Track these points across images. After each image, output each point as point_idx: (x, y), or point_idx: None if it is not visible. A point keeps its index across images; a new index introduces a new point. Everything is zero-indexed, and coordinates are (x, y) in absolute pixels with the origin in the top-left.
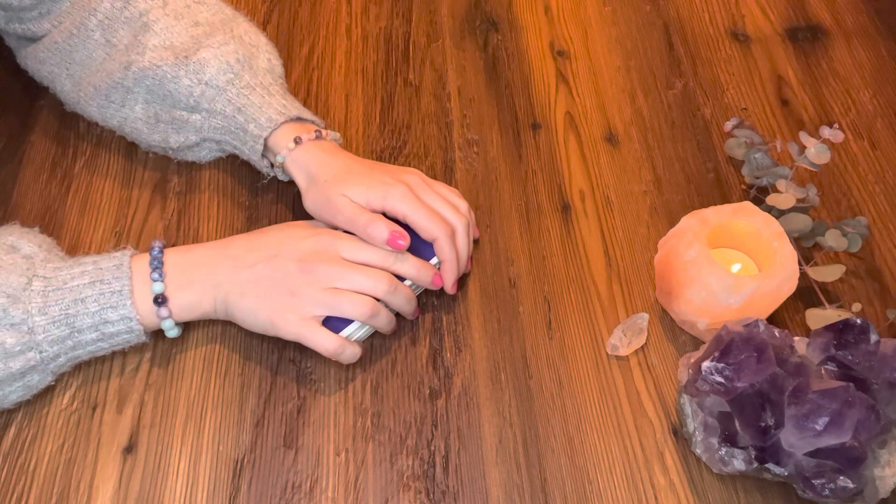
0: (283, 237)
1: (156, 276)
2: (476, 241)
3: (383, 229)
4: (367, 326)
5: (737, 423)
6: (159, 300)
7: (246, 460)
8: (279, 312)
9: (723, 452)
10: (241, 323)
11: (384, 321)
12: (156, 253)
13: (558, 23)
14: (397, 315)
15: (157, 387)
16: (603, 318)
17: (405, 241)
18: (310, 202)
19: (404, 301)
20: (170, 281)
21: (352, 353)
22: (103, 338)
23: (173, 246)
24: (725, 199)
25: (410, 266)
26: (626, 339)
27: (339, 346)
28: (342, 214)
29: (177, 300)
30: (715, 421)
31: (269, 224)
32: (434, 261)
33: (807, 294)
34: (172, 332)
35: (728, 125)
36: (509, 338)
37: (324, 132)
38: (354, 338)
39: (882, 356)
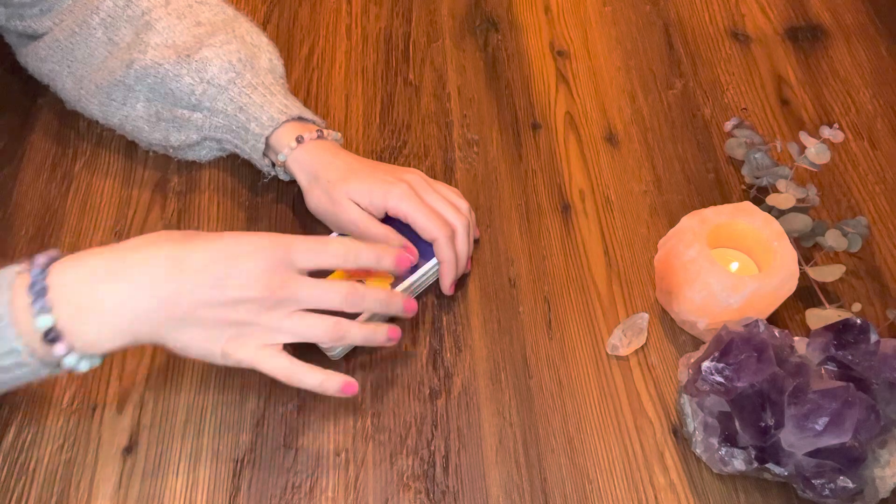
0: (222, 258)
1: (38, 306)
2: (476, 241)
3: (394, 244)
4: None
5: (737, 423)
6: (50, 336)
7: (246, 460)
8: (231, 345)
9: (723, 452)
10: (177, 353)
11: (361, 335)
12: (37, 274)
13: (558, 23)
14: (395, 319)
15: (157, 387)
16: (603, 318)
17: (414, 256)
18: (313, 202)
19: (376, 304)
20: (61, 312)
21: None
22: None
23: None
24: (725, 199)
25: (368, 256)
26: (626, 339)
27: (294, 371)
28: (352, 223)
29: (77, 335)
30: (715, 421)
31: (269, 224)
32: (434, 261)
33: (807, 294)
34: (83, 365)
35: (728, 125)
36: (509, 338)
37: (325, 132)
38: (334, 352)
39: (882, 356)
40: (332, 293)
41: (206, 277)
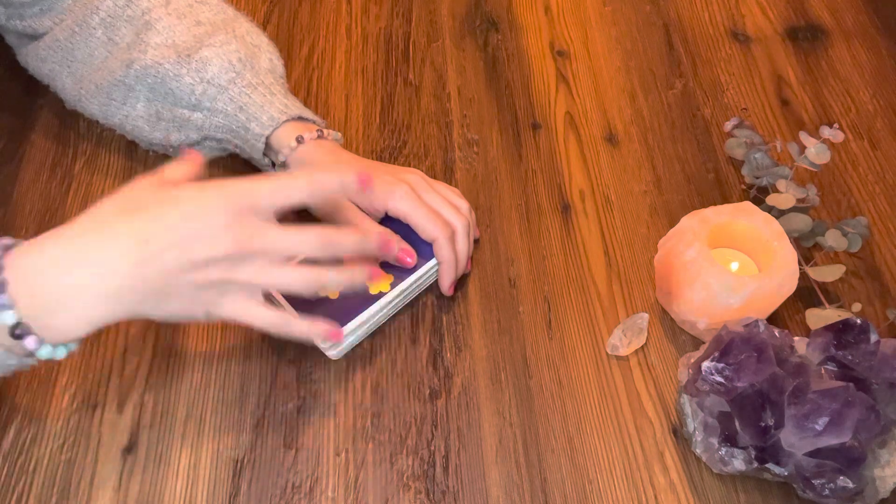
0: (182, 219)
1: (2, 300)
2: (476, 241)
3: (393, 246)
4: (372, 322)
5: (737, 423)
6: (17, 332)
7: (246, 460)
8: (212, 306)
9: (723, 452)
10: (162, 322)
11: (340, 279)
12: None
13: (558, 23)
14: (402, 313)
15: (157, 387)
16: (603, 318)
17: (412, 258)
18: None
19: (353, 245)
20: (25, 306)
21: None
22: None
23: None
24: (725, 199)
25: (332, 184)
26: (626, 339)
27: (283, 320)
28: (351, 224)
29: (47, 328)
30: (715, 421)
31: None
32: (434, 261)
33: (807, 294)
34: (59, 353)
35: (728, 125)
36: (509, 338)
37: (325, 132)
38: (334, 352)
39: (882, 356)
40: (305, 239)
41: (168, 244)
